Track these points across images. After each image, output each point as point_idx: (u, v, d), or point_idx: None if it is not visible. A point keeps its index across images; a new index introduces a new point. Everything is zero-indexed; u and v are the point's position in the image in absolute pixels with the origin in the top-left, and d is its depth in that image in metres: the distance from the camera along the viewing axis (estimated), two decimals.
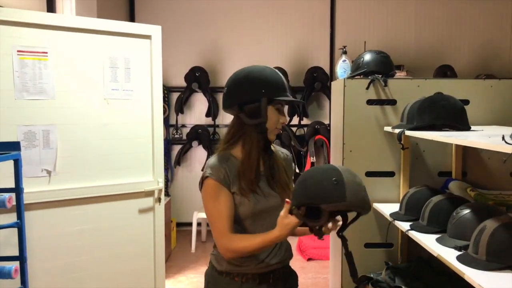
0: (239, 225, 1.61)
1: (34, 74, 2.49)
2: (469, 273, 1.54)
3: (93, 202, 2.71)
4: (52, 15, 2.82)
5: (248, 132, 1.61)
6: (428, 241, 1.90)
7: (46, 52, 2.53)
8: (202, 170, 1.67)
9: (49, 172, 2.56)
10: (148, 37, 2.90)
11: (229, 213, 1.57)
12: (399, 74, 3.09)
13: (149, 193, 2.91)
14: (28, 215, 2.45)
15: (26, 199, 2.42)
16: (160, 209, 2.98)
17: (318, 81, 5.03)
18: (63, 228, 2.61)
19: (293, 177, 1.78)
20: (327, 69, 5.17)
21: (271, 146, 1.69)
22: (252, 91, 1.57)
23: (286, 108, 1.64)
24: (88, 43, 2.67)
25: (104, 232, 2.75)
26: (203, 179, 1.61)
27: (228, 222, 1.56)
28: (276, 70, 1.65)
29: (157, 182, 2.93)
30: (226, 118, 5.43)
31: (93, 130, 2.71)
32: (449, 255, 1.72)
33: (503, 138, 1.36)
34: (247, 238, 1.56)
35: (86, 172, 2.69)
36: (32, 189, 2.48)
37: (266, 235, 1.50)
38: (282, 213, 1.47)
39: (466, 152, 2.63)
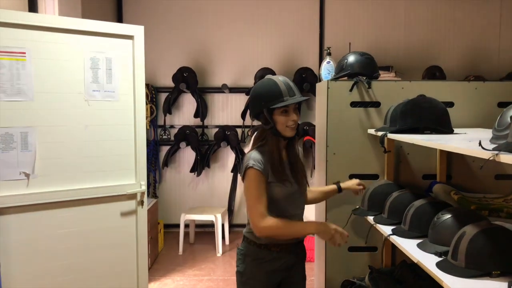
0: (273, 205, 1.93)
1: (12, 75, 2.44)
2: (447, 281, 1.51)
3: (73, 206, 2.67)
4: (29, 14, 2.77)
5: (269, 135, 1.96)
6: (409, 247, 1.87)
7: (24, 53, 2.48)
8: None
9: (27, 175, 2.51)
10: (130, 37, 2.85)
11: (265, 199, 1.90)
12: (388, 75, 3.07)
13: (132, 196, 2.87)
14: (5, 219, 2.41)
15: (3, 203, 2.38)
16: (143, 212, 2.93)
17: (307, 82, 5.00)
18: (42, 232, 2.56)
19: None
20: (316, 70, 5.13)
21: (294, 142, 2.04)
22: (256, 105, 1.96)
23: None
24: (68, 44, 2.62)
25: (85, 236, 2.71)
26: (246, 169, 1.91)
27: (266, 206, 1.89)
28: (276, 78, 1.96)
29: (140, 185, 2.89)
30: (214, 119, 5.39)
31: (74, 132, 2.66)
32: (429, 262, 1.69)
33: (479, 143, 1.33)
34: (284, 224, 1.90)
35: (66, 175, 2.64)
36: (9, 193, 2.43)
37: (303, 228, 1.98)
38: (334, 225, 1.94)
39: (450, 155, 2.60)
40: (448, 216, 1.81)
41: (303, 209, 2.09)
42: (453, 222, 1.77)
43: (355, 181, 2.34)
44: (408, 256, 1.86)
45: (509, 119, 1.47)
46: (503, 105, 2.52)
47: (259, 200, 1.89)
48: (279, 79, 1.96)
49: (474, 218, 1.74)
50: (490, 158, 1.27)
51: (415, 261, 1.76)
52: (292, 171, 2.00)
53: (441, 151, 2.56)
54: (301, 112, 2.04)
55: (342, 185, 2.31)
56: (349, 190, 2.32)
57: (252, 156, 1.94)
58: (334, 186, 2.31)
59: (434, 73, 4.94)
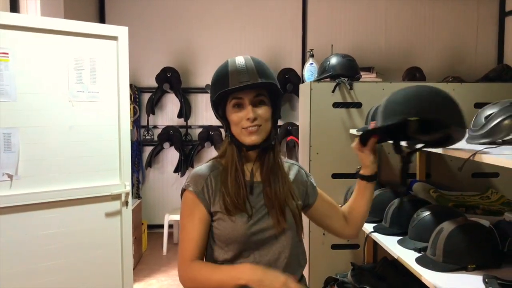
0: (230, 246, 1.37)
1: None
2: (426, 275, 1.57)
3: (58, 206, 2.65)
4: (13, 14, 2.75)
5: (227, 142, 1.42)
6: (390, 243, 1.94)
7: (7, 53, 2.46)
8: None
9: (10, 176, 2.49)
10: (114, 38, 2.85)
11: (198, 237, 1.38)
12: (369, 76, 3.14)
13: (116, 197, 2.87)
14: None
15: None
16: (128, 212, 2.94)
17: (290, 83, 5.05)
18: (26, 233, 2.54)
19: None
20: (299, 71, 5.19)
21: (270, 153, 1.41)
22: (210, 100, 1.42)
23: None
24: (52, 44, 2.60)
25: (70, 236, 2.69)
26: (182, 190, 1.43)
27: (194, 247, 1.37)
28: (231, 59, 1.39)
29: (124, 185, 2.89)
30: (198, 119, 5.41)
31: (58, 133, 2.65)
32: (408, 257, 1.75)
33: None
34: (208, 269, 1.36)
35: (50, 176, 2.63)
36: None
37: (231, 278, 1.28)
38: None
39: (429, 154, 2.68)
40: (427, 213, 1.88)
41: (283, 255, 1.40)
42: (431, 219, 1.84)
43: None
44: (389, 253, 1.92)
45: (483, 119, 1.54)
46: (479, 105, 2.60)
47: (188, 237, 1.38)
48: (236, 58, 1.38)
49: (451, 214, 1.81)
50: (471, 158, 1.33)
51: (396, 257, 1.82)
52: (266, 199, 1.38)
53: (421, 151, 2.64)
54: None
55: (363, 169, 1.64)
56: (367, 159, 1.65)
57: (193, 172, 1.43)
58: (357, 181, 1.65)
59: (414, 74, 5.03)
